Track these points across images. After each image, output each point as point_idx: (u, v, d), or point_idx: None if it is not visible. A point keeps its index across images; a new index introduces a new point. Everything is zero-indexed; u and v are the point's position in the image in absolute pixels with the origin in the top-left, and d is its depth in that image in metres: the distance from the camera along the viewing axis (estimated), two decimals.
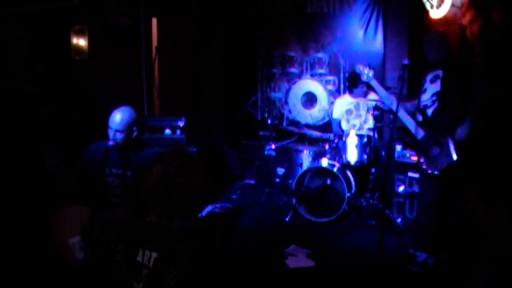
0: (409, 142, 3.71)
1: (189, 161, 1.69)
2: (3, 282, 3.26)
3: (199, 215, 4.79)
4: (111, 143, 2.89)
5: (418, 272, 3.59)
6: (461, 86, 3.40)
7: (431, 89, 3.55)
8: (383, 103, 4.45)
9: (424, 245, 3.68)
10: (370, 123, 5.06)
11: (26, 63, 4.82)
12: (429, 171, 3.50)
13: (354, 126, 5.11)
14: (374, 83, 4.22)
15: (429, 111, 3.56)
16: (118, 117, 2.88)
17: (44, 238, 2.81)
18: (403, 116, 3.62)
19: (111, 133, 2.89)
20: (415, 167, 4.09)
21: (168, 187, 1.63)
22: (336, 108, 5.27)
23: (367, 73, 4.20)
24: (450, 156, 3.40)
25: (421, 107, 3.61)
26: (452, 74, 3.44)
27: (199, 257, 1.56)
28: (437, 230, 3.58)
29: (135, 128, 2.95)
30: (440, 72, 3.51)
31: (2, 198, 4.17)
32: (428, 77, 3.59)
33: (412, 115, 3.68)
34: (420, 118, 3.61)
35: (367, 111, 5.08)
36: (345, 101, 5.24)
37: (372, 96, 5.01)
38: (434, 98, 3.53)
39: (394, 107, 3.54)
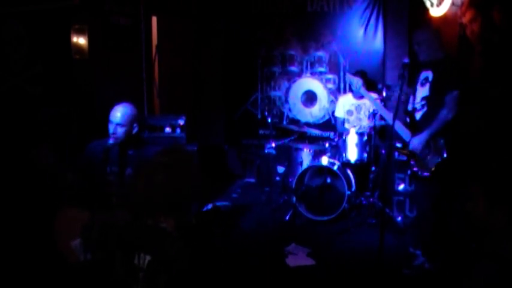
0: (400, 148, 3.67)
1: (177, 159, 1.67)
2: (5, 284, 3.27)
3: (202, 209, 4.80)
4: (111, 140, 2.89)
5: (413, 275, 3.57)
6: (450, 89, 3.32)
7: (420, 92, 3.52)
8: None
9: (423, 246, 3.67)
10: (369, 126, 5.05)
11: (26, 63, 4.82)
12: (419, 173, 3.49)
13: (354, 127, 5.10)
14: (364, 93, 4.22)
15: (418, 115, 3.52)
16: (119, 111, 2.91)
17: (45, 240, 2.82)
18: (398, 127, 3.58)
19: (111, 127, 2.90)
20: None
21: (156, 186, 1.62)
22: (339, 107, 5.27)
23: (356, 82, 4.21)
24: (439, 155, 3.38)
25: (410, 109, 3.59)
26: (442, 77, 3.37)
27: (191, 261, 1.56)
28: (435, 231, 3.56)
29: (135, 124, 2.97)
30: (430, 75, 3.46)
31: (2, 198, 4.17)
32: (420, 77, 3.54)
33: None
34: (408, 120, 3.59)
35: (368, 117, 5.07)
36: (347, 101, 5.23)
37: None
38: (423, 102, 3.49)
39: (387, 117, 3.53)
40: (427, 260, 3.60)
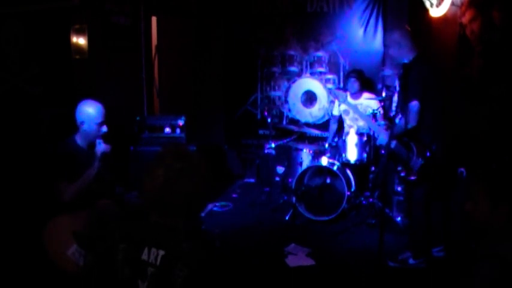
0: (388, 153, 3.68)
1: (191, 164, 1.67)
2: None
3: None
4: (104, 146, 2.99)
5: (396, 269, 3.61)
6: (409, 99, 3.32)
7: (395, 98, 3.57)
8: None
9: (414, 245, 3.69)
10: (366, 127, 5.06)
11: (26, 64, 4.82)
12: (407, 178, 3.49)
13: (351, 127, 5.11)
14: (349, 104, 4.22)
15: (396, 120, 3.54)
16: (99, 109, 3.00)
17: (39, 249, 2.77)
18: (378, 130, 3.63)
19: (99, 128, 2.99)
20: None
21: (170, 191, 1.62)
22: (336, 108, 5.30)
23: (341, 96, 4.23)
24: (422, 158, 3.37)
25: (390, 115, 3.61)
26: (405, 84, 3.37)
27: (206, 257, 1.57)
28: (426, 233, 3.58)
29: None
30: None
31: (1, 200, 4.15)
32: (397, 84, 3.58)
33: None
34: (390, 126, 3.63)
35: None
36: None
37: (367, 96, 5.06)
38: (398, 109, 3.53)
39: (370, 126, 3.55)
40: (412, 256, 3.62)
